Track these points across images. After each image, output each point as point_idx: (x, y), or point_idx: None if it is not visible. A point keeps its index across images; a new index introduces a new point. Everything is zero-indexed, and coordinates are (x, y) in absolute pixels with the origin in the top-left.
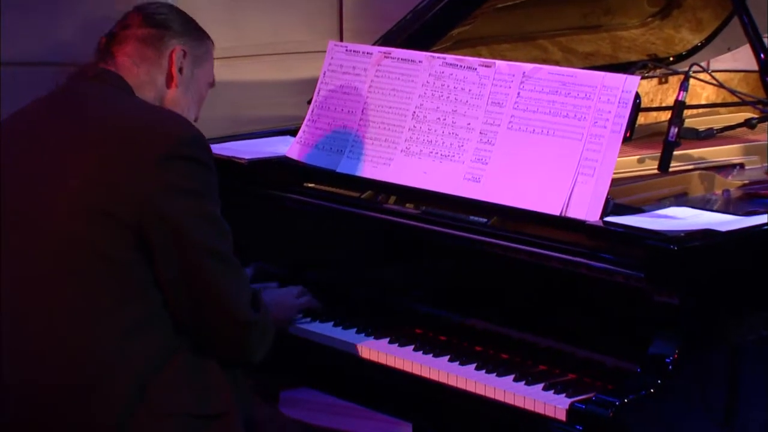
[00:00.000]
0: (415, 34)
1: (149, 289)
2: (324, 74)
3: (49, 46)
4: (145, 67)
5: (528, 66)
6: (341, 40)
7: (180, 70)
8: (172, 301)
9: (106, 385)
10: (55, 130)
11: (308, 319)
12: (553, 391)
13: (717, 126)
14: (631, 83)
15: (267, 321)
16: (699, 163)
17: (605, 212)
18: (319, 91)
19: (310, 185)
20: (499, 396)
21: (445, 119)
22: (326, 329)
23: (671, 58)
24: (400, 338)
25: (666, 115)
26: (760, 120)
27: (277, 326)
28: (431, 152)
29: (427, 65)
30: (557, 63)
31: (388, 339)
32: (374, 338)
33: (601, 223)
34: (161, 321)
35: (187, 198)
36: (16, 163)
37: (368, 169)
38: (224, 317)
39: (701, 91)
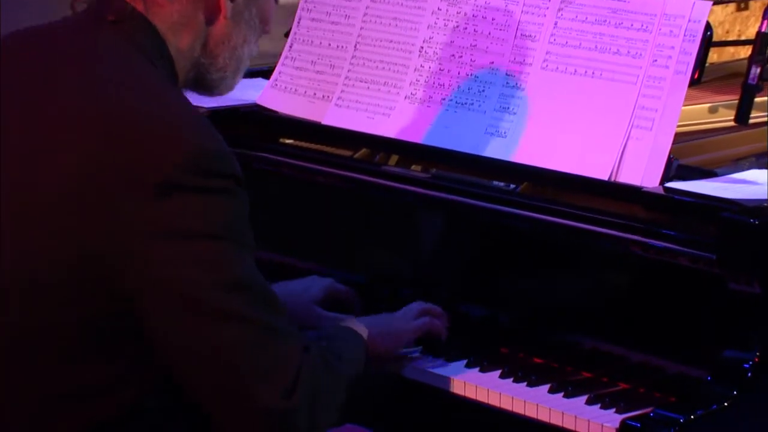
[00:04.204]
0: None
1: (115, 351)
2: None
3: None
4: (182, 1)
5: None
6: None
7: None
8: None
9: None
10: (35, 97)
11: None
12: (599, 405)
13: None
14: (700, 10)
15: (318, 404)
16: None
17: (667, 176)
18: (299, 20)
19: (287, 141)
20: (530, 411)
21: (461, 57)
22: None
23: None
24: None
25: (746, 51)
26: None
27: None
28: (443, 99)
29: None
30: None
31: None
32: None
33: (661, 190)
34: (128, 385)
35: (188, 240)
36: None
37: (363, 121)
38: (234, 402)
39: None
